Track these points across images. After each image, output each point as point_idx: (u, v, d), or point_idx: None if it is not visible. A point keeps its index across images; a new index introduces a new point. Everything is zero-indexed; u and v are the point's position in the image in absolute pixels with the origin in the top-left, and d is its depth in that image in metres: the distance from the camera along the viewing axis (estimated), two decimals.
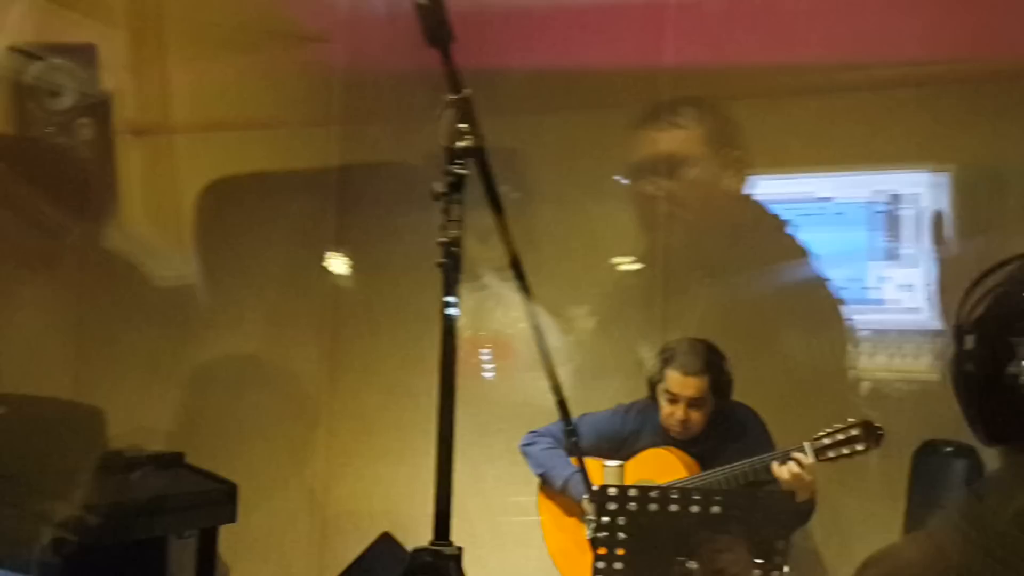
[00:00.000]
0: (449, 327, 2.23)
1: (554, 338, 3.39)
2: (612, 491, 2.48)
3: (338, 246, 4.16)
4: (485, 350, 3.86)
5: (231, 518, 3.69)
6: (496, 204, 2.46)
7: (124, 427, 3.52)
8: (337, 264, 4.17)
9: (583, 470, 2.81)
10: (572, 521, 3.27)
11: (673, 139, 3.59)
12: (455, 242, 2.17)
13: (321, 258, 4.15)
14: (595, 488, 2.48)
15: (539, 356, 2.55)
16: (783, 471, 2.88)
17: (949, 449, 3.34)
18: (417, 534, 4.10)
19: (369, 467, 4.18)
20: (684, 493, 2.46)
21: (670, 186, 3.59)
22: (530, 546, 3.55)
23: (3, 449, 3.13)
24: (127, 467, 3.41)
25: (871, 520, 3.46)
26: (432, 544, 2.13)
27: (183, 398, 3.85)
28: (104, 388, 3.63)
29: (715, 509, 2.47)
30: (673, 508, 2.47)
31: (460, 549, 2.14)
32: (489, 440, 3.96)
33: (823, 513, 3.18)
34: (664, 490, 2.47)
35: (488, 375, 3.93)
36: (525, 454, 3.39)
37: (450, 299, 2.21)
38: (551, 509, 3.32)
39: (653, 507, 2.47)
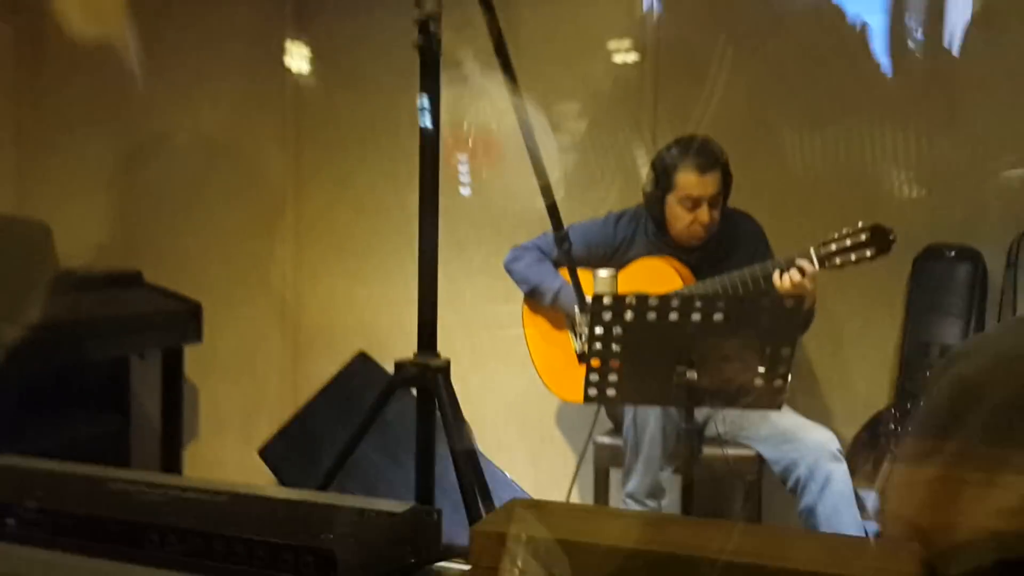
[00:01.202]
0: (428, 124, 1.98)
1: (543, 139, 3.13)
2: (607, 300, 2.29)
3: (297, 38, 3.81)
4: (462, 155, 3.59)
5: (196, 338, 3.51)
6: None
7: (74, 244, 3.28)
8: (297, 60, 3.83)
9: (577, 281, 2.60)
10: (561, 334, 3.11)
11: None
12: (433, 18, 1.90)
13: (280, 54, 3.82)
14: (589, 298, 2.28)
15: (527, 155, 2.31)
16: (785, 280, 2.71)
17: (952, 253, 3.18)
18: (392, 351, 3.94)
19: (340, 285, 3.97)
20: (685, 301, 2.26)
21: None
22: (512, 361, 3.41)
23: None
24: (81, 286, 3.19)
25: (867, 326, 3.33)
26: (417, 356, 1.95)
27: (137, 212, 3.60)
28: (50, 202, 3.37)
29: (718, 317, 2.29)
30: (673, 317, 2.28)
31: (448, 361, 1.97)
32: (467, 255, 3.77)
33: (816, 318, 3.03)
34: (664, 298, 2.28)
35: (464, 188, 3.69)
36: (510, 271, 3.17)
37: (427, 92, 1.95)
38: (538, 323, 3.15)
39: (651, 316, 2.29)
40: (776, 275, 2.73)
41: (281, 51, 3.81)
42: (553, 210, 2.36)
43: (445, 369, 1.94)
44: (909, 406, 3.12)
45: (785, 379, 2.38)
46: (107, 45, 3.32)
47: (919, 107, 3.26)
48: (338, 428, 3.74)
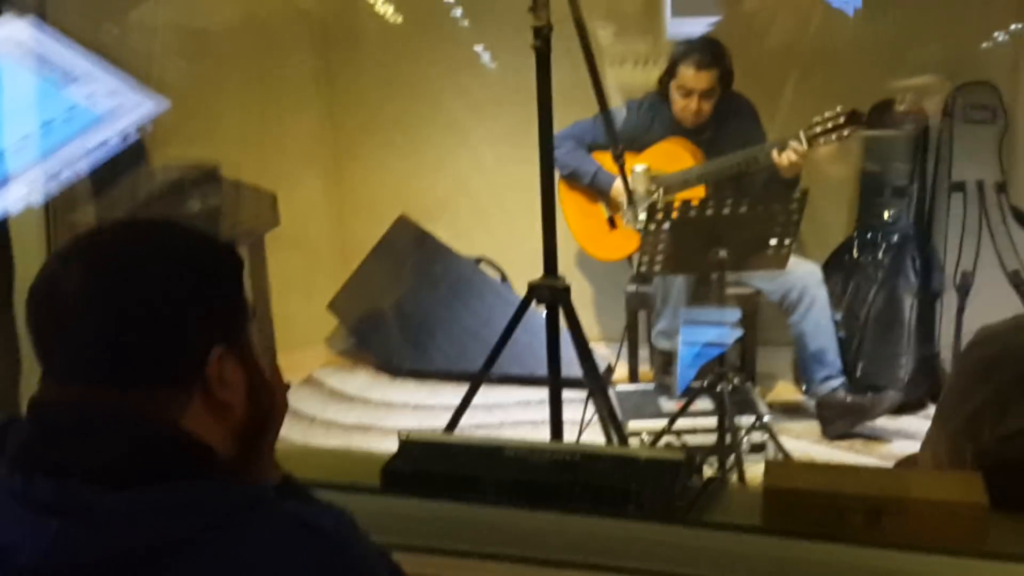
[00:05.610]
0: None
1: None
2: (660, 205, 2.97)
3: None
4: None
5: (275, 224, 4.07)
6: None
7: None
8: None
9: (623, 164, 3.23)
10: (594, 206, 3.77)
11: None
12: (548, 28, 2.42)
13: None
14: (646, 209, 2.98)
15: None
16: (783, 158, 3.38)
17: (901, 107, 3.90)
18: (429, 213, 4.54)
19: (377, 156, 4.52)
20: (719, 200, 2.95)
21: None
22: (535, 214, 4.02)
23: None
24: (172, 190, 3.69)
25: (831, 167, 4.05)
26: (545, 279, 2.59)
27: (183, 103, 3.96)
28: None
29: (743, 209, 2.99)
30: (709, 212, 2.98)
31: (568, 285, 2.61)
32: (487, 124, 4.35)
33: None
34: (703, 201, 2.97)
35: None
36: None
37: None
38: (573, 197, 3.78)
39: (692, 213, 2.98)
40: (775, 154, 3.41)
41: None
42: (600, 95, 2.87)
43: (568, 291, 2.61)
44: (868, 235, 3.92)
45: (791, 247, 3.13)
46: None
47: None
48: (388, 281, 4.42)
